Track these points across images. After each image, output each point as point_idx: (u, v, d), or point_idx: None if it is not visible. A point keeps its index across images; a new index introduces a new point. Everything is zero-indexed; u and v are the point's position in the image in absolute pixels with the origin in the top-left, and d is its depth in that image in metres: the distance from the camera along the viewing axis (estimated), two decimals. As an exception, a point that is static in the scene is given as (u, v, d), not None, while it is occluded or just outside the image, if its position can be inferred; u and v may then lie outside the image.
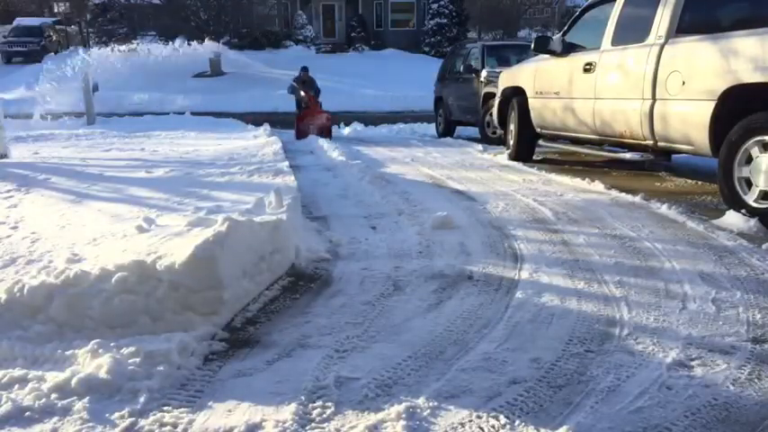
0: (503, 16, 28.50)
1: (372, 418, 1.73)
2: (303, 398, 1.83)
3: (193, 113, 14.70)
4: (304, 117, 11.22)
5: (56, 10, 34.84)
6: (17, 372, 1.96)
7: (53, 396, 1.82)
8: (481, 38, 27.04)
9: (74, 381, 1.88)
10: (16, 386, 1.88)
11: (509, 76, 7.36)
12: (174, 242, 2.63)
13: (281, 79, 22.20)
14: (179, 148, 6.97)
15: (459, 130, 11.56)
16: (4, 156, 6.22)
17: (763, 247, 3.28)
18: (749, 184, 3.82)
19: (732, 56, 3.89)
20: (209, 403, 1.83)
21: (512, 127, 7.20)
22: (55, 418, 1.74)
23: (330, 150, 7.91)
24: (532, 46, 6.46)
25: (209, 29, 23.89)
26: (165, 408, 1.80)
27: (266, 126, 9.63)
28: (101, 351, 2.11)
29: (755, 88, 3.73)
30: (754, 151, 3.75)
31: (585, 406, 1.78)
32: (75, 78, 12.32)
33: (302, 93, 11.60)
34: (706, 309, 2.49)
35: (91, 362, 1.99)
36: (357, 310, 2.54)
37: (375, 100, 19.99)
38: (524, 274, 2.94)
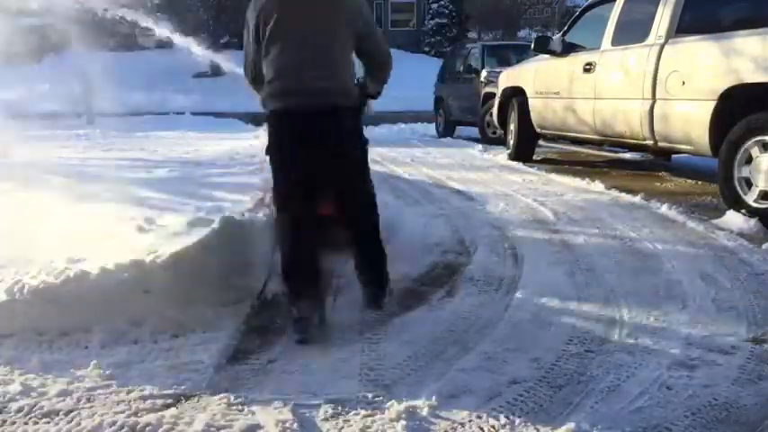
0: (503, 16, 28.45)
1: (372, 417, 1.73)
2: (303, 398, 1.83)
3: (193, 113, 14.70)
4: None
5: (56, 10, 34.83)
6: (17, 376, 1.97)
7: (56, 402, 1.82)
8: (481, 38, 27.01)
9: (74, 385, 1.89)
10: (19, 390, 1.88)
11: (509, 76, 7.36)
12: (174, 242, 2.63)
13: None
14: (179, 147, 6.97)
15: (460, 130, 11.56)
16: (5, 156, 6.21)
17: (763, 247, 3.28)
18: (749, 184, 3.82)
19: (732, 56, 3.89)
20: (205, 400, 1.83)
21: (512, 127, 7.20)
22: (59, 421, 1.74)
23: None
24: (532, 46, 6.47)
25: (209, 29, 23.87)
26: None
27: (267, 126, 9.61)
28: (97, 353, 2.12)
29: (756, 88, 3.73)
30: (754, 151, 3.75)
31: (585, 406, 1.78)
32: (74, 78, 12.32)
33: None
34: (706, 309, 2.49)
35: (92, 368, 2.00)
36: (356, 310, 2.54)
37: (375, 100, 19.95)
38: (524, 274, 2.94)
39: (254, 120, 9.97)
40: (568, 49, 5.98)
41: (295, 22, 2.30)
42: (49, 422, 1.72)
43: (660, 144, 4.73)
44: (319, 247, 2.42)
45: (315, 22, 2.32)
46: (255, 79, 2.47)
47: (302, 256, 2.35)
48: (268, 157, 2.42)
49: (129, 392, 1.86)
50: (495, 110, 7.71)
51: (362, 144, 2.46)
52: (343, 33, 2.35)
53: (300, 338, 2.22)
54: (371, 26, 2.46)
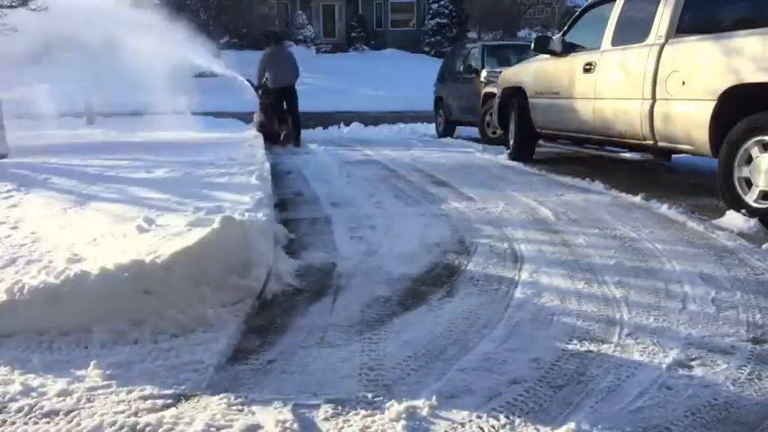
0: (503, 16, 28.46)
1: (372, 417, 1.73)
2: (303, 398, 1.84)
3: (194, 113, 14.68)
4: None
5: (56, 10, 34.82)
6: (17, 376, 1.97)
7: (56, 402, 1.82)
8: (481, 38, 26.99)
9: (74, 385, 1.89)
10: (19, 389, 1.88)
11: (509, 76, 7.36)
12: (174, 242, 2.64)
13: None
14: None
15: (460, 130, 11.56)
16: (4, 156, 6.22)
17: (763, 247, 3.28)
18: (749, 184, 3.81)
19: (733, 56, 3.88)
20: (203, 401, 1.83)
21: (512, 127, 7.20)
22: (59, 421, 1.74)
23: (329, 151, 7.93)
24: (532, 46, 6.46)
25: (209, 29, 23.87)
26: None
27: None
28: (97, 353, 2.12)
29: (756, 88, 3.72)
30: (754, 151, 3.75)
31: (585, 406, 1.78)
32: (75, 78, 12.32)
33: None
34: (706, 309, 2.49)
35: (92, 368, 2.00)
36: (356, 310, 2.54)
37: (375, 100, 19.98)
38: (524, 274, 2.94)
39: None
40: (568, 49, 5.98)
41: (277, 63, 9.18)
42: (49, 422, 1.72)
43: (660, 144, 4.73)
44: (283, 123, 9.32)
45: (286, 61, 9.28)
46: (260, 78, 9.31)
47: (280, 125, 9.22)
48: (263, 104, 9.46)
49: (129, 392, 1.86)
50: (495, 110, 7.71)
51: (297, 96, 9.33)
52: (293, 64, 9.29)
53: (285, 145, 9.02)
54: (296, 62, 9.32)
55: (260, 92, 9.34)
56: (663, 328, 2.31)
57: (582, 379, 1.94)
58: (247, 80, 9.70)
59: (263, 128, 9.13)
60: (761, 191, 3.73)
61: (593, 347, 2.16)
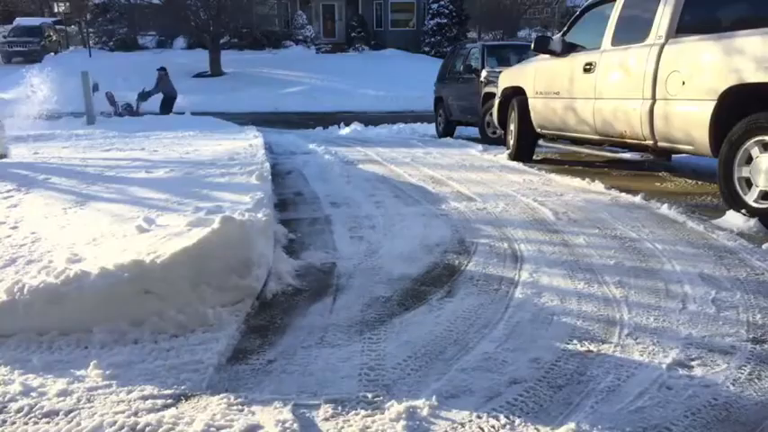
0: (503, 16, 28.50)
1: (372, 417, 1.73)
2: (303, 398, 1.84)
3: (193, 113, 14.70)
4: None
5: (56, 10, 34.89)
6: (17, 376, 1.97)
7: (56, 402, 1.82)
8: (481, 38, 27.03)
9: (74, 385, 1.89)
10: (19, 390, 1.88)
11: (509, 76, 7.36)
12: (174, 242, 2.64)
13: (282, 79, 22.28)
14: (179, 148, 6.97)
15: (460, 130, 11.56)
16: (4, 156, 6.22)
17: (763, 247, 3.28)
18: (749, 184, 3.82)
19: (733, 55, 3.89)
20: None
21: (512, 127, 7.20)
22: (59, 421, 1.74)
23: (329, 151, 7.94)
24: (532, 46, 6.46)
25: (209, 29, 23.88)
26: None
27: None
28: (97, 353, 2.12)
29: (756, 88, 3.73)
30: (754, 151, 3.75)
31: (585, 406, 1.78)
32: (75, 78, 12.34)
33: None
34: (706, 309, 2.49)
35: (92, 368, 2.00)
36: (356, 310, 2.54)
37: (375, 100, 20.00)
38: (524, 275, 2.94)
39: (253, 120, 10.07)
40: (568, 49, 5.98)
41: (165, 83, 14.73)
42: (49, 422, 1.72)
43: (660, 144, 4.73)
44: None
45: (167, 81, 14.83)
46: (156, 90, 14.95)
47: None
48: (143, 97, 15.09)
49: (129, 392, 1.87)
50: (495, 110, 7.71)
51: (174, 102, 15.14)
52: (171, 85, 14.73)
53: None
54: (173, 83, 15.40)
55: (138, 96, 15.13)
56: (663, 328, 2.31)
57: (582, 379, 1.94)
58: (106, 90, 14.91)
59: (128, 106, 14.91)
60: (761, 191, 3.73)
61: (593, 347, 2.16)
